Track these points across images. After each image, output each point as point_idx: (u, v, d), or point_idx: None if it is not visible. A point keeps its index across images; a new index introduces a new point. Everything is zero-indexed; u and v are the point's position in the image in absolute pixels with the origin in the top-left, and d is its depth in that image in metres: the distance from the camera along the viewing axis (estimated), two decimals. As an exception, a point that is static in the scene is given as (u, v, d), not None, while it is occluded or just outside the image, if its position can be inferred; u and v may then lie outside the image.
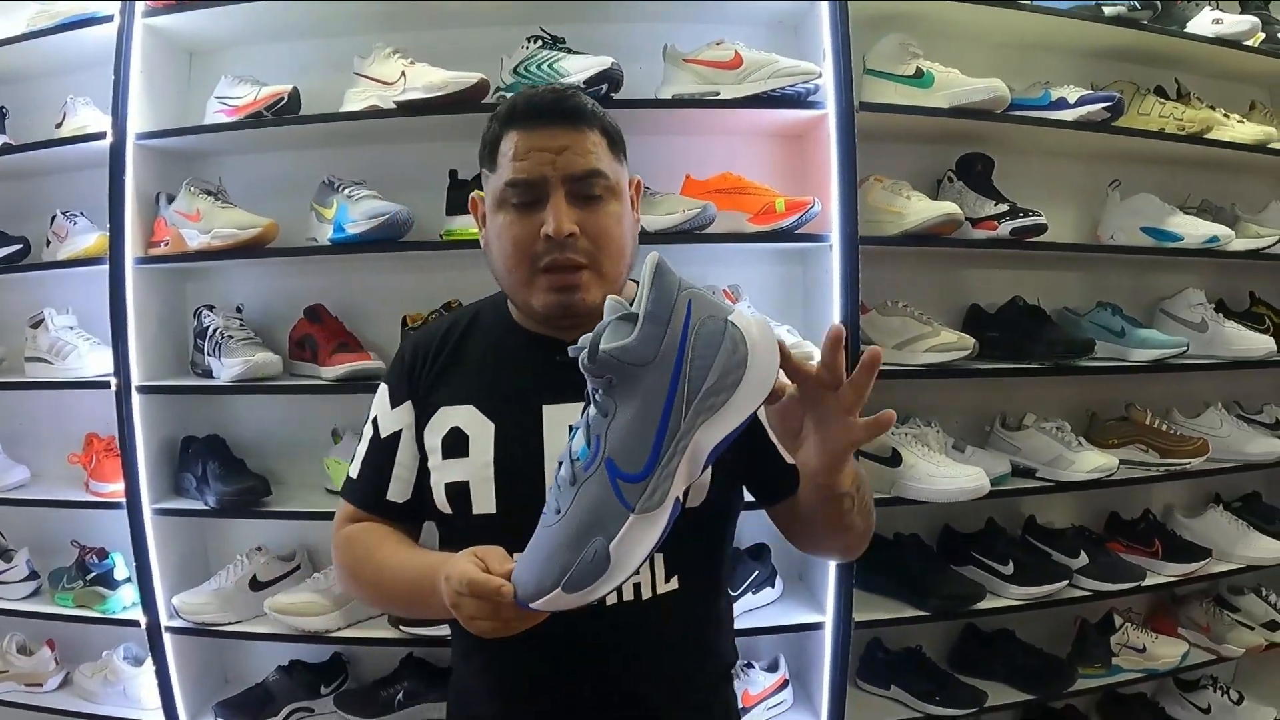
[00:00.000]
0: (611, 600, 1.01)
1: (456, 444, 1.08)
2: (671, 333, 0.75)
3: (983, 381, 2.14)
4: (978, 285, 2.21)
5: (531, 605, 0.79)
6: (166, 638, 1.94)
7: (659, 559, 1.04)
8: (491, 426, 1.06)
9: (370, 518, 1.15)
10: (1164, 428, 2.18)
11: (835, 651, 1.91)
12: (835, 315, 1.84)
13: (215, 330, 1.94)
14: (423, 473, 1.12)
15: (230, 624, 1.91)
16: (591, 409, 0.80)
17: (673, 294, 0.76)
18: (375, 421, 1.15)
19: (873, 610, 1.94)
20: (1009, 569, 2.00)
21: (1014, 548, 2.08)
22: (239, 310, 2.03)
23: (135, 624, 1.95)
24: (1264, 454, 2.20)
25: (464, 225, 1.84)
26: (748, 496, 1.16)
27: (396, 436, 1.13)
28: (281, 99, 1.85)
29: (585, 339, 0.79)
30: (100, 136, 1.89)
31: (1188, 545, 2.19)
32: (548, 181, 1.02)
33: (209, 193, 1.91)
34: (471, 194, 1.15)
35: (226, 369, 1.87)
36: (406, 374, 1.15)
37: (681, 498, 0.78)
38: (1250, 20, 2.17)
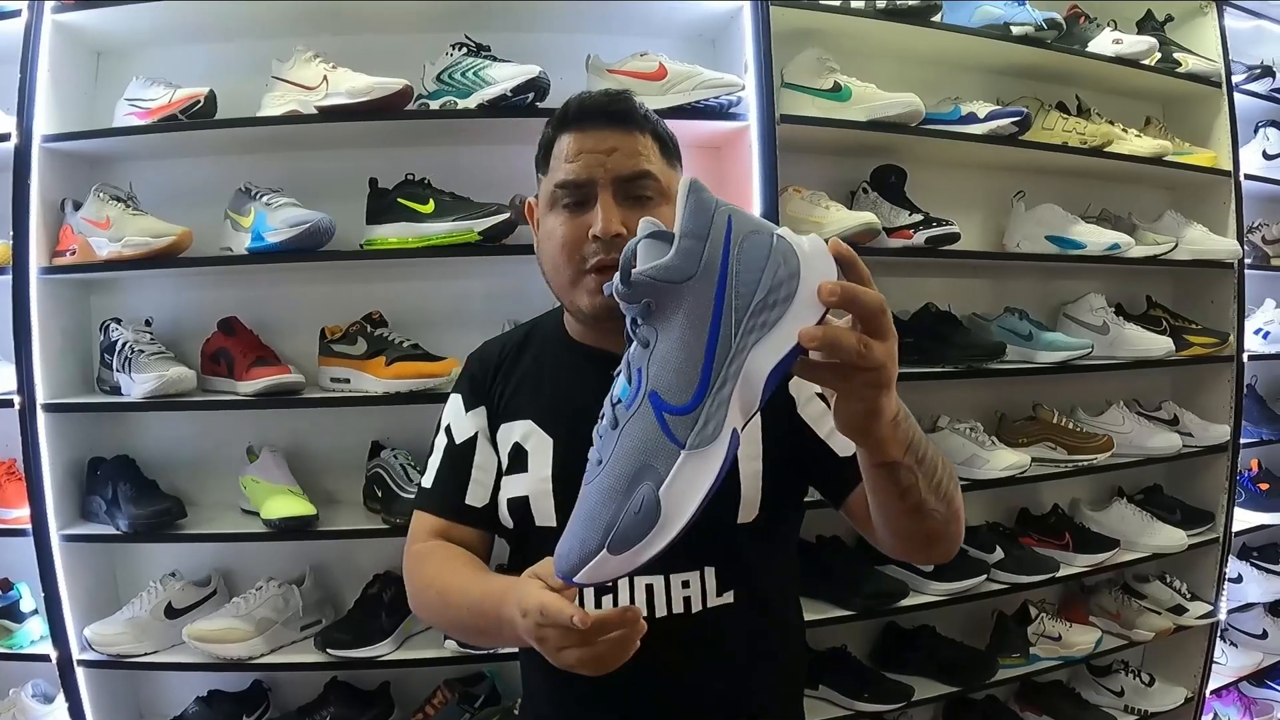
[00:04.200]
0: (661, 611, 1.00)
1: (517, 459, 1.09)
2: (712, 245, 0.67)
3: (898, 385, 2.19)
4: (890, 293, 2.24)
5: (575, 579, 0.68)
6: (79, 672, 1.83)
7: (711, 573, 1.02)
8: (550, 441, 1.07)
9: (448, 528, 1.12)
10: (1070, 426, 2.28)
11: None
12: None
13: (124, 345, 1.86)
14: (498, 476, 1.12)
15: (146, 654, 1.83)
16: (631, 345, 0.70)
17: (710, 209, 0.68)
18: (449, 429, 1.15)
19: (799, 611, 1.97)
20: (929, 566, 2.06)
21: (933, 545, 2.14)
22: (148, 323, 1.95)
23: (45, 658, 1.84)
24: (1164, 448, 2.33)
25: (384, 235, 1.81)
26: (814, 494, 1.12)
27: (473, 441, 1.13)
28: (198, 102, 1.78)
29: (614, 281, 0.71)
30: (4, 139, 1.80)
31: (1096, 537, 2.30)
32: (596, 182, 1.02)
33: (119, 199, 1.83)
34: (527, 199, 1.15)
35: (138, 385, 1.79)
36: (477, 383, 1.16)
37: (740, 428, 0.68)
38: (1148, 41, 2.31)
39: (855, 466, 0.87)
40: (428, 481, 1.16)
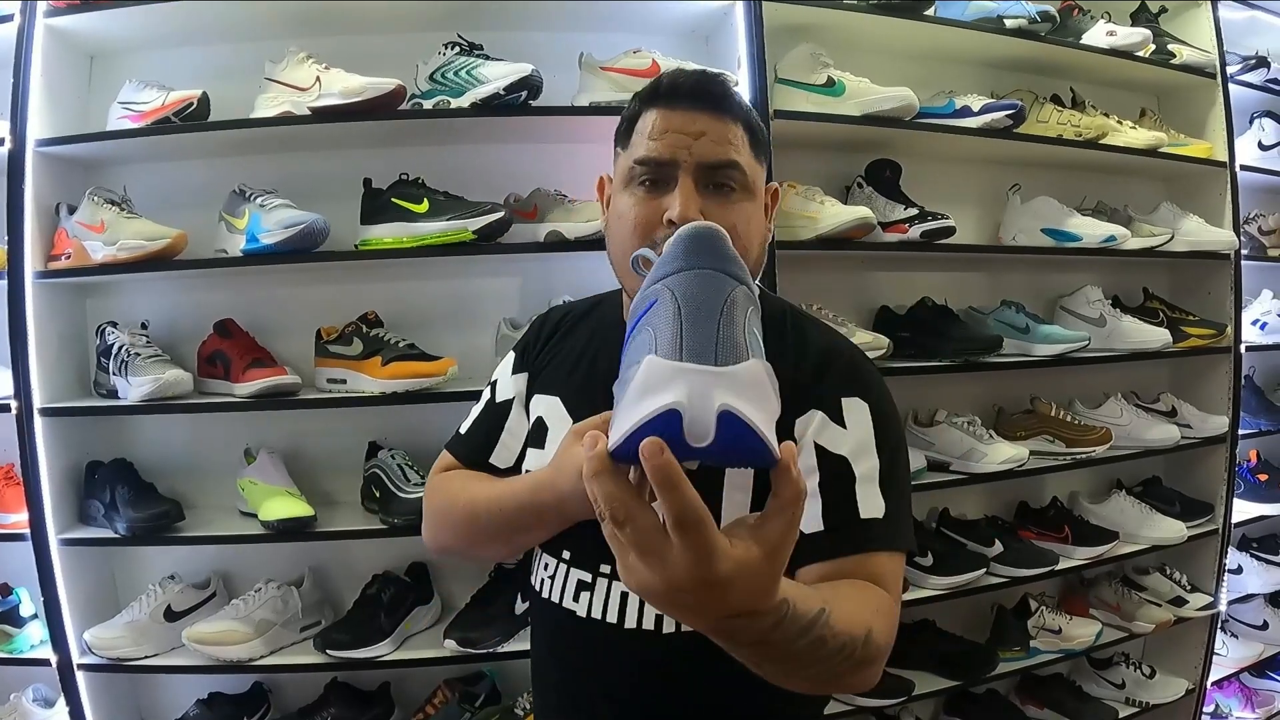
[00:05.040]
0: (630, 624, 0.97)
1: (538, 434, 1.07)
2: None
3: (895, 380, 2.17)
4: (887, 287, 2.28)
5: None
6: (79, 675, 1.83)
7: None
8: (569, 422, 1.03)
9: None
10: (1068, 419, 2.28)
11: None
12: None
13: (121, 348, 1.86)
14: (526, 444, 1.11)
15: (146, 658, 1.82)
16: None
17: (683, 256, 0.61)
18: (494, 385, 1.16)
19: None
20: (928, 560, 2.06)
21: (931, 540, 2.14)
22: (144, 327, 1.95)
23: (45, 663, 1.84)
24: (1162, 440, 2.33)
25: (379, 235, 1.81)
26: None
27: (509, 404, 1.13)
28: (191, 104, 1.78)
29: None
30: (-2, 143, 1.80)
31: (1095, 529, 2.30)
32: (679, 164, 0.96)
33: (113, 202, 1.83)
34: (600, 175, 1.11)
35: (135, 388, 1.79)
36: (529, 347, 1.16)
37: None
38: (1142, 32, 2.30)
39: (815, 544, 0.85)
40: (464, 427, 1.18)
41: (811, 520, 0.89)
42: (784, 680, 0.73)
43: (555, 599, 1.03)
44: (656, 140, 0.97)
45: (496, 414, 1.14)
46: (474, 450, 1.15)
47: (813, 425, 0.93)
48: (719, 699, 0.99)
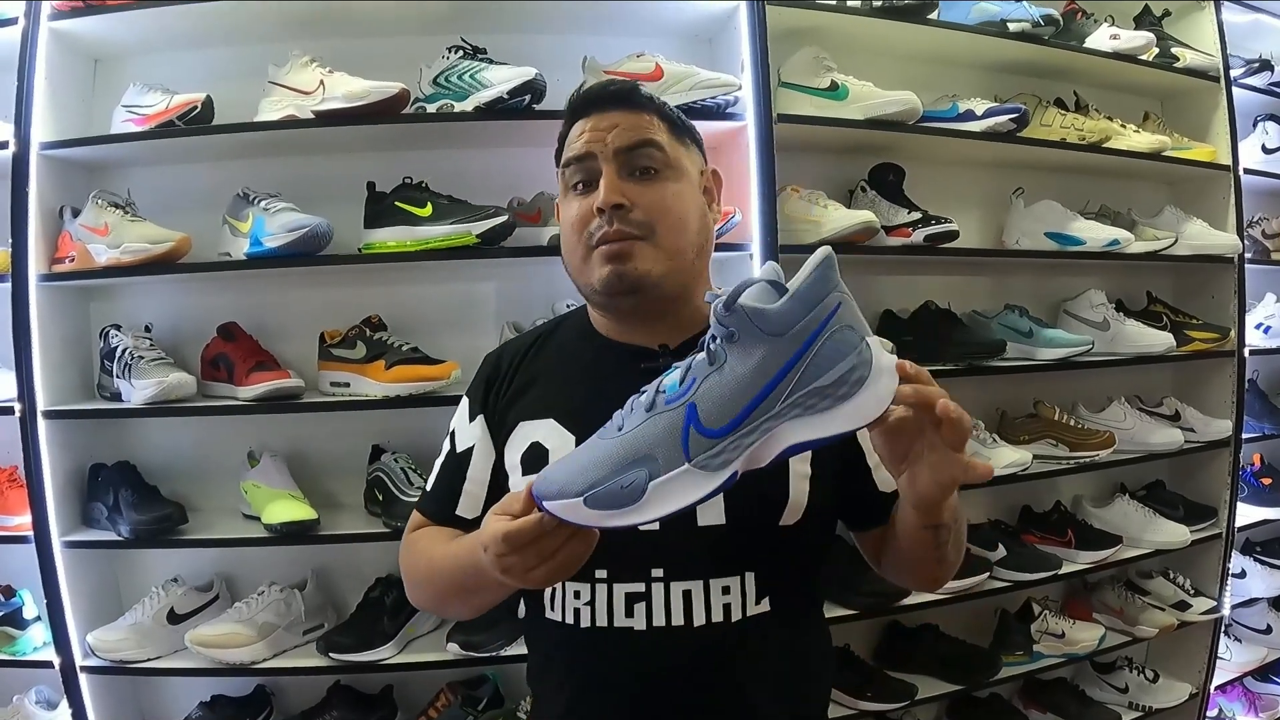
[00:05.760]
0: (700, 620, 0.97)
1: (537, 458, 1.04)
2: (811, 320, 0.73)
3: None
4: (890, 291, 2.28)
5: (544, 503, 0.76)
6: (82, 678, 1.83)
7: (750, 577, 0.98)
8: (572, 439, 1.02)
9: (441, 531, 1.12)
10: (1072, 422, 2.28)
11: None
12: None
13: (124, 351, 1.86)
14: (497, 491, 1.09)
15: (149, 660, 1.83)
16: (701, 354, 0.77)
17: (828, 288, 0.74)
18: (453, 435, 1.15)
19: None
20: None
21: (935, 544, 2.14)
22: (148, 330, 1.95)
23: (48, 665, 1.84)
24: (1166, 444, 2.32)
25: (382, 239, 1.81)
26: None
27: (469, 453, 1.12)
28: (195, 108, 1.78)
29: (723, 295, 0.76)
30: (2, 146, 1.79)
31: (1099, 533, 2.30)
32: (598, 156, 1.02)
33: (117, 206, 1.83)
34: (556, 200, 1.15)
35: (138, 391, 1.79)
36: (484, 389, 1.14)
37: (739, 472, 0.75)
38: (1146, 36, 2.30)
39: (888, 506, 0.96)
40: (429, 484, 1.17)
41: (886, 481, 1.02)
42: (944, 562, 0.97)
43: (602, 623, 0.99)
44: (577, 142, 1.05)
45: (457, 465, 1.13)
46: (441, 505, 1.13)
47: None
48: (784, 679, 1.02)
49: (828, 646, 1.16)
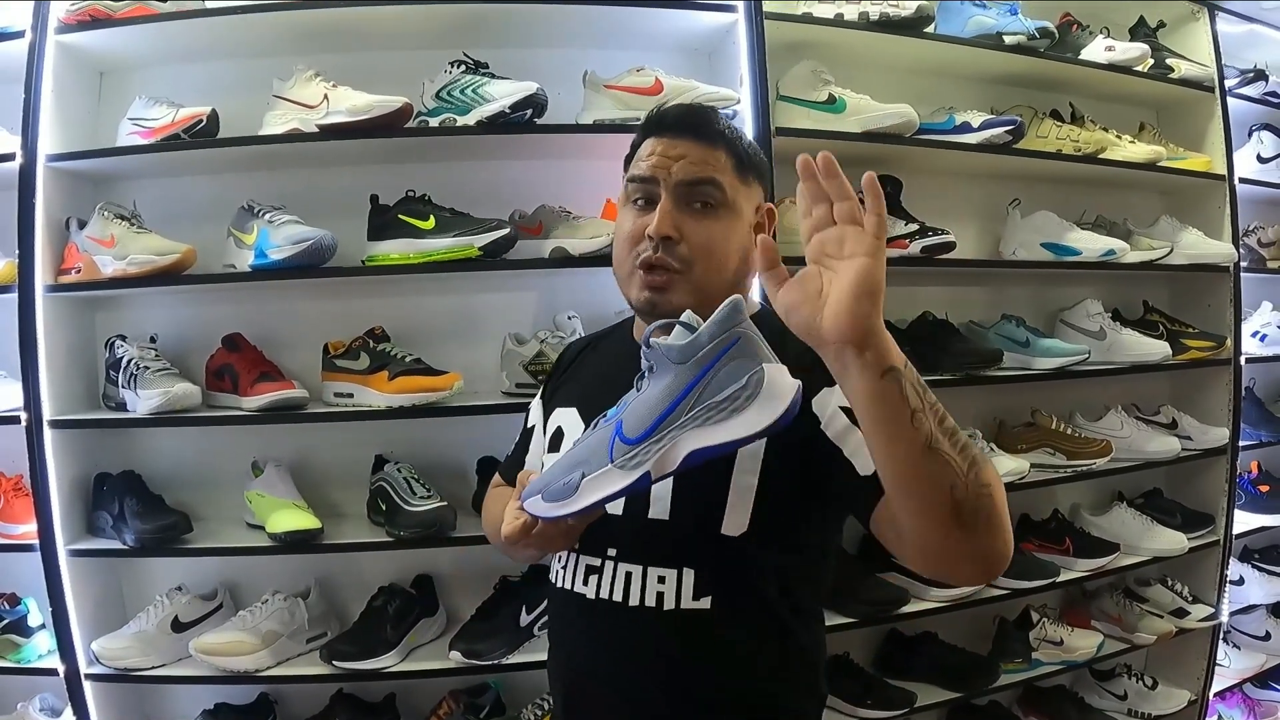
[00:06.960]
0: (635, 601, 1.06)
1: (557, 439, 1.21)
2: (710, 350, 0.87)
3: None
4: (888, 302, 2.25)
5: (522, 503, 1.00)
6: (87, 685, 1.85)
7: (689, 575, 1.06)
8: (583, 427, 1.13)
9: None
10: (1069, 431, 2.29)
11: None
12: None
13: (130, 361, 1.87)
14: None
15: (153, 668, 1.84)
16: (635, 384, 0.95)
17: (729, 326, 0.87)
18: (527, 413, 1.35)
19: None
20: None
21: (934, 552, 2.15)
22: (153, 340, 1.96)
23: (53, 673, 1.85)
24: (1163, 452, 2.34)
25: (386, 251, 1.83)
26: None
27: (533, 429, 1.31)
28: (200, 121, 1.80)
29: (650, 328, 0.94)
30: (9, 158, 1.81)
31: (1097, 541, 2.31)
32: (659, 182, 1.09)
33: (123, 217, 1.85)
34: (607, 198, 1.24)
35: (144, 401, 1.81)
36: (550, 376, 1.36)
37: (654, 476, 0.89)
38: (1141, 47, 2.32)
39: (878, 482, 0.90)
40: (509, 451, 1.38)
41: (866, 464, 0.96)
42: (936, 511, 0.85)
43: (567, 585, 1.13)
44: (645, 161, 1.11)
45: (525, 437, 1.33)
46: (509, 469, 1.33)
47: (834, 395, 1.00)
48: (720, 677, 1.07)
49: (798, 660, 1.13)
